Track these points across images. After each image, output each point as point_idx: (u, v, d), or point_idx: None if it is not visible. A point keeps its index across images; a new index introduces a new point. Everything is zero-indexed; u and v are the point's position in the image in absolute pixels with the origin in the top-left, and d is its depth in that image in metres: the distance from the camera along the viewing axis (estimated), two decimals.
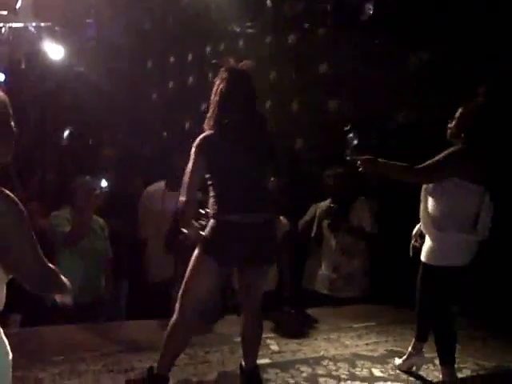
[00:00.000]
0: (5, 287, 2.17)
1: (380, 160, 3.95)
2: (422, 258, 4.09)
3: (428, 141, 4.87)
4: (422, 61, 6.48)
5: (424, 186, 4.10)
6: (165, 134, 8.97)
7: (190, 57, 9.29)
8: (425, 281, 4.10)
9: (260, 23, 8.32)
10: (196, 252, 3.53)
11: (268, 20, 8.20)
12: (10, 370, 2.22)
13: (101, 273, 5.29)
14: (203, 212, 3.57)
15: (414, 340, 4.31)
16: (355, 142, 6.97)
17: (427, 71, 6.35)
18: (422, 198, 4.13)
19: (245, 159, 3.50)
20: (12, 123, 2.25)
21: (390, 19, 6.82)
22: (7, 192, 2.08)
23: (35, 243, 2.15)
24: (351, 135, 7.06)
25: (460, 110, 4.07)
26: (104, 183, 5.14)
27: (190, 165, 3.47)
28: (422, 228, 4.17)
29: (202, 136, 3.50)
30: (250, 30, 8.40)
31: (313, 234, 6.07)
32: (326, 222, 5.96)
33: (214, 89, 3.59)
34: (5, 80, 8.28)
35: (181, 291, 3.55)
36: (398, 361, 4.39)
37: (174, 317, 3.54)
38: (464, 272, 4.01)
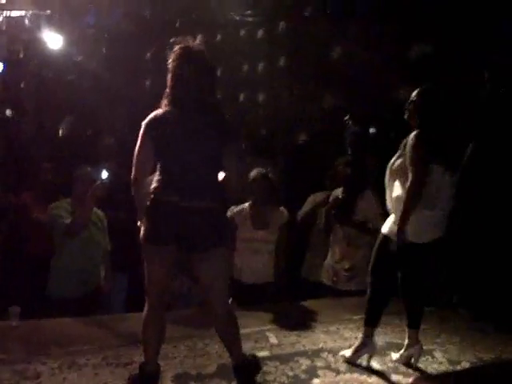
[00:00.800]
0: None
1: (403, 223, 4.02)
2: (385, 231, 4.21)
3: None
4: (420, 51, 6.48)
5: (388, 172, 4.28)
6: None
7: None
8: (381, 253, 4.22)
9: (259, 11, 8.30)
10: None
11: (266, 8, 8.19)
12: None
13: (100, 265, 5.29)
14: None
15: (407, 329, 4.37)
16: (355, 132, 6.96)
17: (426, 61, 6.36)
18: (386, 183, 4.29)
19: (190, 142, 3.40)
20: None
21: (389, 9, 6.81)
22: None
23: None
24: (351, 126, 7.05)
25: (414, 93, 4.23)
26: (105, 174, 5.11)
27: (138, 143, 3.46)
28: (389, 209, 4.28)
29: (150, 115, 3.46)
30: (249, 19, 8.37)
31: (322, 222, 6.04)
32: (333, 212, 5.91)
33: (169, 67, 3.52)
34: (3, 69, 8.24)
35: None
36: (395, 355, 4.40)
37: (144, 309, 3.54)
38: (425, 251, 4.15)
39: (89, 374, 3.80)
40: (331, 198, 5.98)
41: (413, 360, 4.32)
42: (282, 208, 5.74)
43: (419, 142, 4.02)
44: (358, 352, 4.27)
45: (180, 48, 3.50)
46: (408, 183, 4.01)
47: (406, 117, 4.26)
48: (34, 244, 5.31)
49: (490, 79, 6.08)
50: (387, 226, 4.22)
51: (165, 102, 3.48)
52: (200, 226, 3.42)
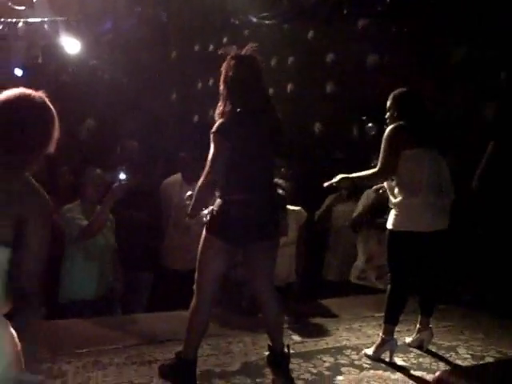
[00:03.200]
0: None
1: (351, 176, 4.32)
2: (390, 226, 4.31)
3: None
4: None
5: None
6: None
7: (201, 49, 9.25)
8: (391, 247, 4.32)
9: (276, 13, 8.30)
10: (203, 234, 3.58)
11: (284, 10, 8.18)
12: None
13: (112, 266, 5.24)
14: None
15: (419, 316, 4.54)
16: (373, 132, 6.94)
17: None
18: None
19: (256, 143, 3.54)
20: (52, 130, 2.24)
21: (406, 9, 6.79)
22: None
23: (44, 251, 2.13)
24: (369, 125, 7.03)
25: (389, 100, 4.38)
26: (123, 176, 5.06)
27: (212, 150, 3.47)
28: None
29: (218, 123, 3.50)
30: (266, 21, 8.36)
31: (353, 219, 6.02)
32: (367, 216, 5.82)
33: (222, 77, 3.60)
34: (22, 75, 8.29)
35: (196, 274, 3.60)
36: (408, 339, 4.59)
37: (193, 300, 3.60)
38: (423, 239, 4.20)
39: (113, 372, 3.83)
40: (363, 200, 5.93)
41: (424, 343, 4.48)
42: (299, 208, 5.69)
43: (392, 133, 4.17)
44: (379, 349, 4.29)
45: (235, 57, 3.60)
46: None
47: (388, 123, 4.35)
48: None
49: (506, 79, 6.08)
50: (390, 221, 4.30)
51: (223, 109, 3.56)
52: (266, 217, 3.56)
